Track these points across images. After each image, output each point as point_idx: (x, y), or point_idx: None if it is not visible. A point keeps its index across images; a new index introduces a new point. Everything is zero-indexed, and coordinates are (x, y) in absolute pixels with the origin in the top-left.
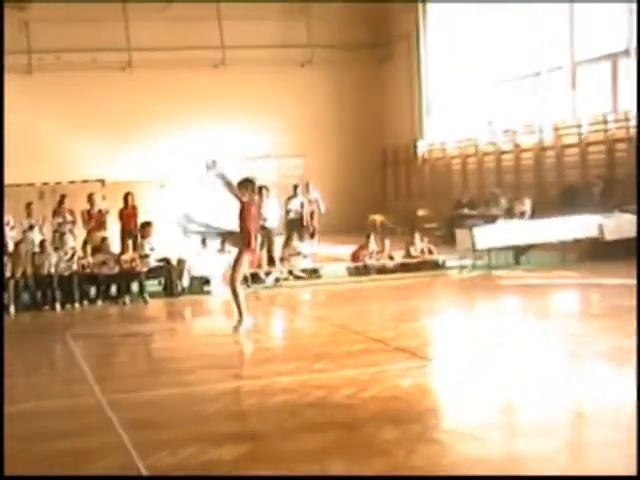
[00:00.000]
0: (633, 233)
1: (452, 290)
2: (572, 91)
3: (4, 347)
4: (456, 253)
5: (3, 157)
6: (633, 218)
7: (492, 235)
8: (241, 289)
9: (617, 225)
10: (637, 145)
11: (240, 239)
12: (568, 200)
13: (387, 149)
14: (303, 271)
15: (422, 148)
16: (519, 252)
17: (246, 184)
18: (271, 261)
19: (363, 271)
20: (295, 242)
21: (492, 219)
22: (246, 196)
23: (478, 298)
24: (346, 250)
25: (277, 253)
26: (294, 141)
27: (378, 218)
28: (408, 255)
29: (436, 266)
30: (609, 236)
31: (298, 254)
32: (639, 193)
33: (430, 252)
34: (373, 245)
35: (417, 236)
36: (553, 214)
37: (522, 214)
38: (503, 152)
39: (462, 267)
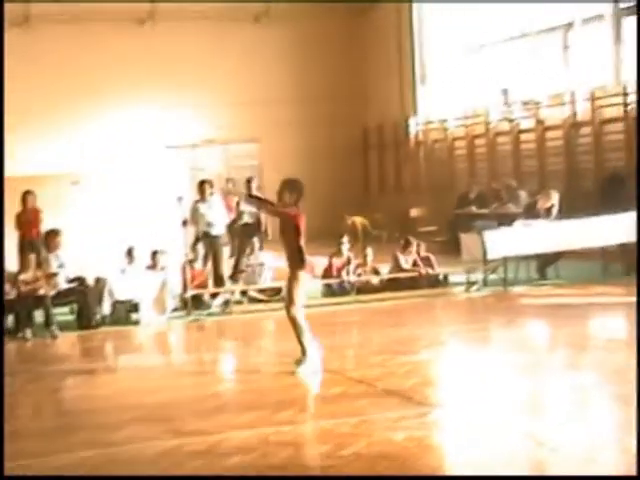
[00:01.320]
0: None
1: (457, 314)
2: (615, 47)
3: None
4: (462, 265)
5: (3, 157)
6: None
7: (509, 240)
8: (303, 319)
9: None
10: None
11: (293, 259)
12: (610, 193)
13: (369, 129)
14: (261, 291)
15: (415, 127)
16: (545, 262)
17: (294, 187)
18: (218, 279)
19: (340, 290)
20: (253, 252)
21: (508, 219)
22: (293, 207)
23: (491, 325)
24: (317, 263)
25: (226, 268)
26: (245, 121)
27: (358, 220)
28: (398, 268)
29: (436, 282)
30: None
31: (258, 267)
32: (639, 191)
33: (429, 264)
34: (346, 251)
35: (411, 243)
36: (590, 212)
37: (548, 212)
38: (522, 131)
39: (470, 283)
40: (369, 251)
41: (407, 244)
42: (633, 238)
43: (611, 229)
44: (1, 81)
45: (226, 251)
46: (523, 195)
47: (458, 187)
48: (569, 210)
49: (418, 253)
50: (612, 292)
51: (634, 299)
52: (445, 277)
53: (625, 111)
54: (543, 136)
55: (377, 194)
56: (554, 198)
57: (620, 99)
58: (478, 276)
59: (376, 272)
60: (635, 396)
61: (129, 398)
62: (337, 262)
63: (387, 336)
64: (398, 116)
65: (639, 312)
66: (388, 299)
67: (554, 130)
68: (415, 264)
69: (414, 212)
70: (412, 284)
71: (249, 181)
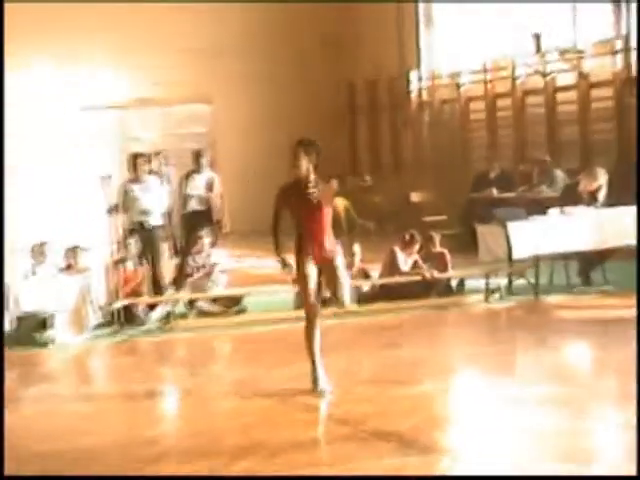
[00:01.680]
0: None
1: (472, 331)
2: None
3: None
4: (479, 266)
5: (3, 158)
6: None
7: (541, 234)
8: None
9: None
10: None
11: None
12: None
13: (357, 87)
14: (214, 302)
15: (418, 83)
16: (589, 263)
17: (312, 147)
18: (157, 285)
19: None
20: (204, 248)
21: (541, 206)
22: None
23: (518, 346)
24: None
25: (168, 271)
26: (192, 75)
27: (342, 203)
28: (394, 270)
29: (446, 289)
30: None
31: (209, 270)
32: (639, 189)
33: (442, 263)
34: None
35: (416, 241)
36: None
37: (593, 196)
38: (559, 88)
39: (490, 291)
40: (356, 248)
41: (412, 240)
42: None
43: None
44: (1, 81)
45: (167, 248)
46: (560, 174)
47: (474, 164)
48: (622, 194)
49: (427, 249)
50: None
51: None
52: (460, 283)
53: None
54: (587, 95)
55: (368, 173)
56: (602, 178)
57: None
58: (501, 281)
59: (366, 275)
60: None
61: (36, 445)
62: None
63: (380, 361)
64: (395, 69)
65: (639, 319)
66: (382, 311)
67: (601, 87)
68: (416, 265)
69: (416, 196)
70: (415, 292)
71: (198, 155)
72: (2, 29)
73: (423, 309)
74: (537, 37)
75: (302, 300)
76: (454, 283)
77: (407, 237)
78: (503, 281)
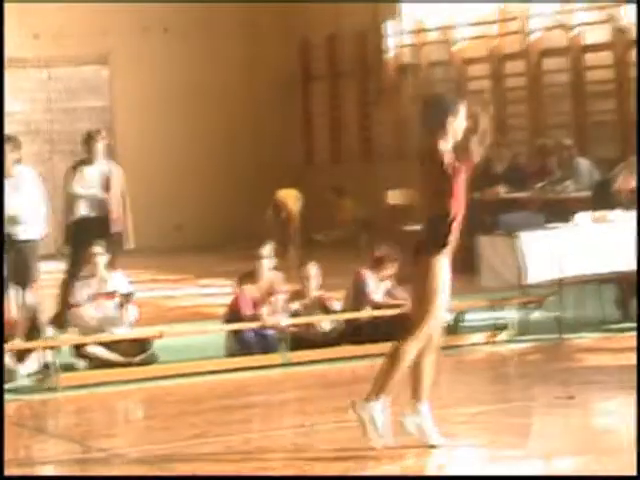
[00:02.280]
0: None
1: (472, 385)
2: None
3: None
4: (481, 294)
5: (3, 159)
6: None
7: (566, 250)
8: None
9: None
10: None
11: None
12: None
13: (313, 45)
14: (113, 346)
15: (397, 39)
16: (631, 290)
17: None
18: (31, 324)
19: (259, 344)
20: (100, 270)
21: (565, 211)
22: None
23: (535, 404)
24: (220, 292)
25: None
26: (85, 26)
27: (291, 198)
28: (364, 301)
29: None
30: None
31: (108, 297)
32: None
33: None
34: (267, 270)
35: (389, 259)
36: None
37: (633, 196)
38: (589, 48)
39: (497, 328)
40: (312, 268)
41: (384, 259)
42: None
43: None
44: (1, 80)
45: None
46: (585, 165)
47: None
48: None
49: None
50: None
51: None
52: (457, 317)
53: None
54: (625, 57)
55: (328, 164)
56: None
57: None
58: (511, 315)
59: (326, 309)
60: None
61: None
62: (252, 292)
63: (345, 429)
64: (366, 21)
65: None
66: (347, 358)
67: None
68: (390, 294)
69: (394, 197)
70: (392, 330)
71: (90, 139)
72: (2, 29)
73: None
74: None
75: (237, 342)
76: (448, 318)
77: (378, 254)
78: (514, 315)
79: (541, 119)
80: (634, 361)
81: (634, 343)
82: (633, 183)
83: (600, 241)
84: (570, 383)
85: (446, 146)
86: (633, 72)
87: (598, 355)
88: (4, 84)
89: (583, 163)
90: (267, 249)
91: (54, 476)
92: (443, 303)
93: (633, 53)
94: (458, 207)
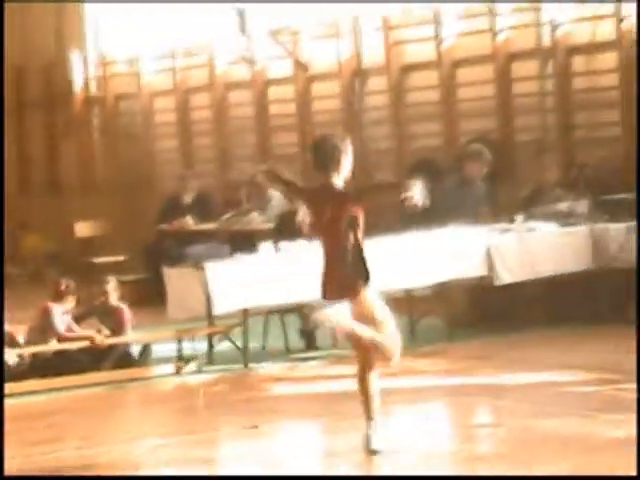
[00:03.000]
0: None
1: (159, 416)
2: None
3: None
4: (169, 326)
5: (3, 159)
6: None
7: (252, 280)
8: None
9: (525, 250)
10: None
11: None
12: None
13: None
14: None
15: (85, 71)
16: (310, 321)
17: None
18: None
19: None
20: None
21: (252, 241)
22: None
23: (221, 433)
24: None
25: None
26: None
27: None
28: (50, 333)
29: (125, 359)
30: (506, 276)
31: None
32: (639, 191)
33: (120, 323)
34: None
35: (64, 287)
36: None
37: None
38: (273, 81)
39: (184, 360)
40: None
41: (60, 289)
42: (468, 273)
43: (430, 256)
44: (1, 78)
45: None
46: (276, 196)
47: (163, 184)
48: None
49: (101, 303)
50: (429, 367)
51: (469, 380)
52: (144, 349)
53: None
54: (308, 89)
55: (15, 195)
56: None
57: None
58: (198, 346)
59: (13, 342)
60: None
61: None
62: None
63: (27, 465)
64: (51, 51)
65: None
66: (31, 392)
67: (327, 80)
68: (70, 327)
69: (83, 229)
70: (79, 363)
71: None
72: (2, 29)
73: (93, 387)
74: (241, 13)
75: None
76: (136, 350)
77: (63, 287)
78: (201, 346)
79: (227, 151)
80: (318, 390)
81: (318, 372)
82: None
83: (284, 271)
84: (256, 412)
85: (340, 183)
86: (318, 104)
87: (283, 384)
88: (4, 81)
89: (275, 195)
90: None
91: (54, 476)
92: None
93: (319, 86)
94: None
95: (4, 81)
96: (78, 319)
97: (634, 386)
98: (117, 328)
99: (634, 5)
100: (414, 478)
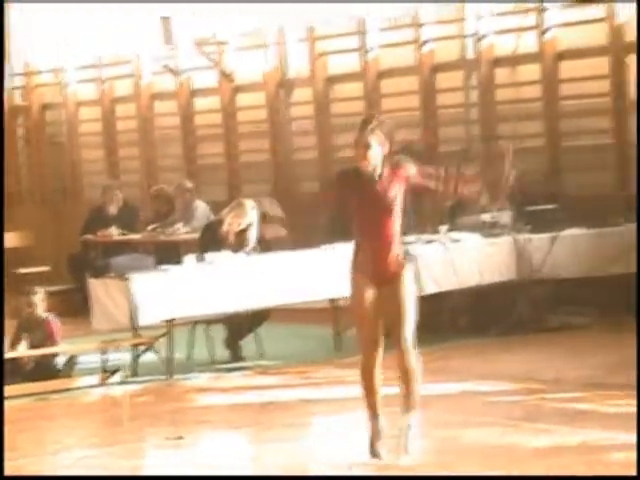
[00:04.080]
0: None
1: (85, 428)
2: None
3: None
4: (93, 336)
5: (3, 160)
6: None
7: (177, 291)
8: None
9: (450, 261)
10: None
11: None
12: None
13: None
14: None
15: (8, 81)
16: (239, 330)
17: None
18: None
19: None
20: None
21: (177, 251)
22: None
23: (146, 444)
24: None
25: None
26: None
27: None
28: None
29: (50, 370)
30: (431, 286)
31: None
32: (639, 195)
33: (48, 334)
34: None
35: None
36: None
37: (242, 239)
38: (198, 92)
39: (109, 371)
40: None
41: None
42: None
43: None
44: (1, 81)
45: None
46: (203, 207)
47: (89, 194)
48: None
49: (27, 314)
50: (345, 377)
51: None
52: (70, 360)
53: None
54: (233, 102)
55: None
56: (251, 214)
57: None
58: (123, 357)
59: None
60: None
61: None
62: None
63: None
64: None
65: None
66: None
67: (252, 91)
68: None
69: (8, 239)
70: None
71: None
72: (2, 29)
73: (18, 399)
74: (167, 22)
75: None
76: (61, 361)
77: None
78: (126, 358)
79: (153, 162)
80: (243, 400)
81: (244, 382)
82: (240, 226)
83: (207, 282)
84: (181, 423)
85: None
86: (243, 115)
87: (208, 395)
88: (4, 83)
89: (201, 206)
90: None
91: (54, 476)
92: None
93: (243, 98)
94: None
95: (4, 82)
96: (14, 341)
97: (557, 395)
98: (46, 340)
99: (556, 16)
100: (414, 478)
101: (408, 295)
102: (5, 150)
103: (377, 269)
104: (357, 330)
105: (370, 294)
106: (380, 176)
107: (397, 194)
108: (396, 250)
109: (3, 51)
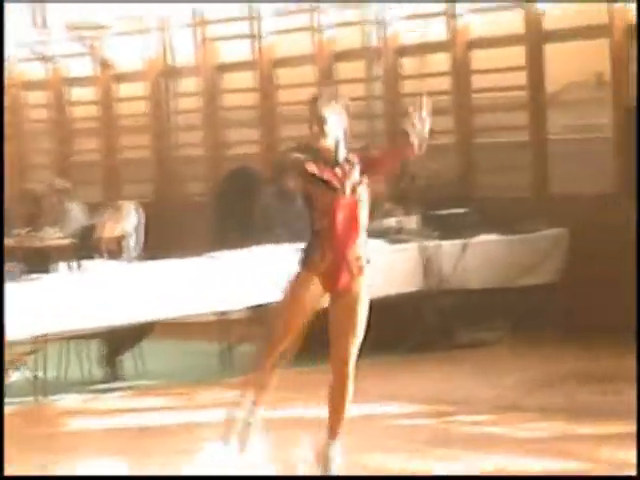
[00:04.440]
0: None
1: None
2: None
3: None
4: None
5: (3, 159)
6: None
7: (48, 303)
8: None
9: None
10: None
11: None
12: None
13: None
14: None
15: None
16: (117, 346)
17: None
18: None
19: None
20: None
21: (52, 259)
22: None
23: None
24: None
25: None
26: None
27: None
28: None
29: None
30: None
31: None
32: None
33: None
34: None
35: None
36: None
37: (119, 245)
38: (73, 80)
39: None
40: None
41: None
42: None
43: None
44: (1, 80)
45: None
46: (77, 209)
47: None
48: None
49: None
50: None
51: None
52: None
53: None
54: (112, 92)
55: None
56: (131, 218)
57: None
58: None
59: None
60: None
61: None
62: None
63: None
64: None
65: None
66: None
67: (132, 80)
68: None
69: None
70: None
71: None
72: (2, 29)
73: None
74: (43, 11)
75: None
76: None
77: None
78: None
79: (22, 158)
80: (121, 424)
81: (122, 404)
82: (117, 231)
83: (85, 293)
84: (50, 450)
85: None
86: (118, 109)
87: (81, 418)
88: (4, 84)
89: (75, 208)
90: None
91: (54, 476)
92: None
93: (126, 87)
94: None
95: (3, 81)
96: None
97: (468, 418)
98: None
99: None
100: (414, 478)
101: (362, 309)
102: None
103: (332, 269)
104: (275, 320)
105: (312, 294)
106: (342, 156)
107: (363, 180)
108: (358, 250)
109: (3, 50)
